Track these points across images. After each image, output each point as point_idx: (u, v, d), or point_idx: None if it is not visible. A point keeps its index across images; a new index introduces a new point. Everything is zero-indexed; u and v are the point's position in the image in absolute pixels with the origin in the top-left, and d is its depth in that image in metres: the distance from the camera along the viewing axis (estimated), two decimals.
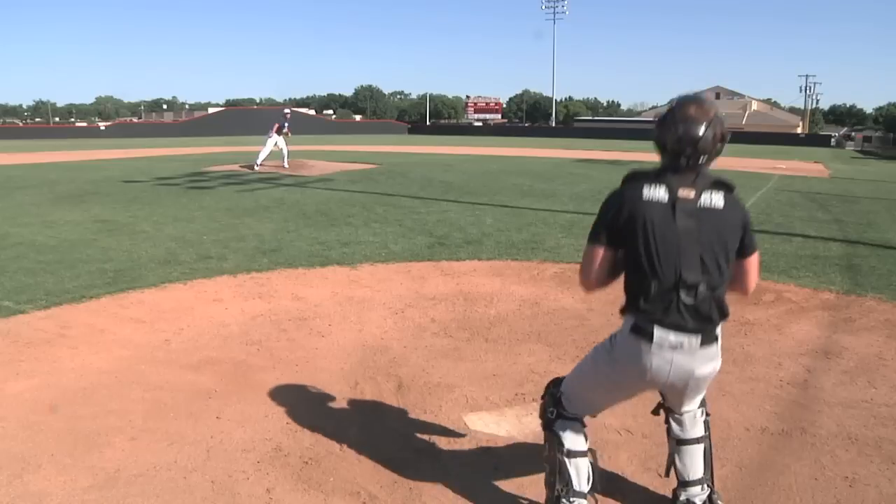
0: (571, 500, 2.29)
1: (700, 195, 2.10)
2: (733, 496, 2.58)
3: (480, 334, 4.46)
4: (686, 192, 2.09)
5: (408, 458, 2.84)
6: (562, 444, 2.32)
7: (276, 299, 5.21)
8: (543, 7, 78.80)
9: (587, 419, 2.42)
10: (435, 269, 6.30)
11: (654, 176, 2.12)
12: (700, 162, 2.10)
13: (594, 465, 2.37)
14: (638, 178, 2.15)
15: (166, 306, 4.97)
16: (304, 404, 3.35)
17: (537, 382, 3.67)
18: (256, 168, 17.49)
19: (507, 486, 2.65)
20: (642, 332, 2.10)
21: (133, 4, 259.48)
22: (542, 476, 2.68)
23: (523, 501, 2.57)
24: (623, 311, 2.19)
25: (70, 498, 2.53)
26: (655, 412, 2.48)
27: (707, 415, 2.43)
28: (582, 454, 2.33)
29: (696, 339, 2.09)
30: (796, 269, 6.39)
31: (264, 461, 2.81)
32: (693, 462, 2.40)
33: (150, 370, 3.78)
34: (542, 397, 2.51)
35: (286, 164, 17.74)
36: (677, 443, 2.40)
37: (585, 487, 2.32)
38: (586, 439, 2.37)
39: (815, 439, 3.04)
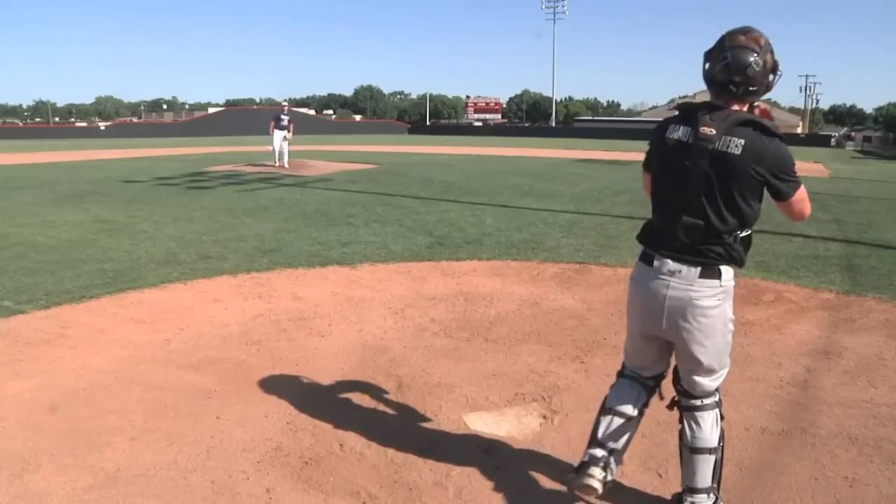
0: (589, 449, 2.35)
1: (722, 136, 2.05)
2: (733, 496, 2.57)
3: (480, 334, 4.46)
4: (707, 130, 2.06)
5: (408, 458, 2.84)
6: (603, 402, 2.45)
7: (276, 299, 5.21)
8: (543, 7, 78.89)
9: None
10: (435, 269, 6.29)
11: (688, 114, 2.15)
12: (750, 90, 2.07)
13: (629, 434, 2.40)
14: (680, 110, 2.20)
15: (166, 306, 4.97)
16: (304, 404, 3.35)
17: (537, 382, 3.67)
18: (283, 164, 17.67)
19: (507, 486, 2.65)
20: (646, 258, 2.26)
21: (133, 4, 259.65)
22: (541, 476, 2.69)
23: (523, 502, 2.57)
24: (638, 238, 2.34)
25: (70, 498, 2.53)
26: (671, 407, 2.43)
27: (722, 418, 2.36)
28: (616, 413, 2.37)
29: (694, 270, 2.14)
30: (796, 269, 6.39)
31: (264, 461, 2.81)
32: (703, 471, 2.32)
33: (150, 370, 3.78)
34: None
35: (286, 164, 17.76)
36: (690, 451, 2.32)
37: (609, 442, 2.34)
38: (636, 405, 2.40)
39: (815, 439, 3.04)
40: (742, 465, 2.81)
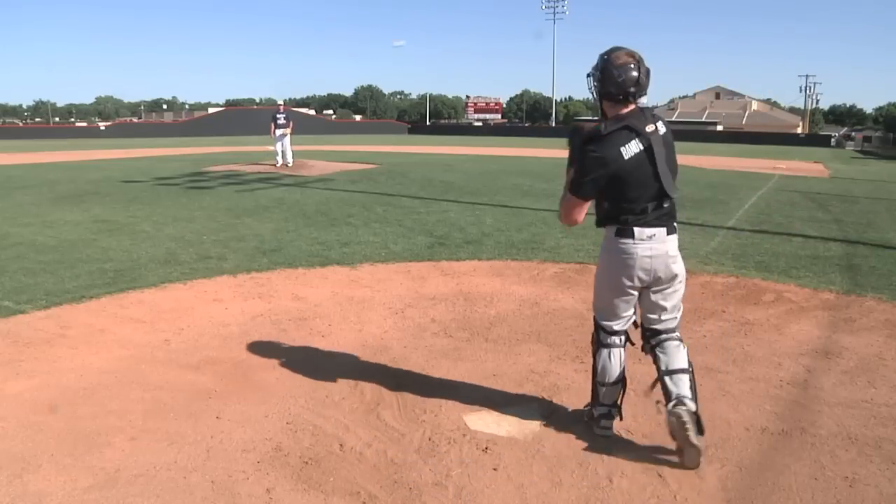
0: (597, 407, 2.97)
1: (657, 127, 2.67)
2: (733, 496, 2.58)
3: (480, 334, 4.46)
4: (651, 128, 2.66)
5: (408, 458, 2.84)
6: (595, 372, 2.96)
7: (276, 299, 5.21)
8: (543, 7, 78.69)
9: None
10: (435, 269, 6.30)
11: (622, 130, 2.62)
12: (641, 96, 2.67)
13: (623, 387, 2.97)
14: (612, 140, 2.62)
15: (166, 306, 4.97)
16: (304, 404, 3.35)
17: (537, 382, 3.67)
18: (287, 164, 17.69)
19: (507, 486, 2.65)
20: (626, 233, 2.71)
21: (133, 4, 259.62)
22: (541, 477, 2.70)
23: (523, 502, 2.57)
24: (603, 223, 2.79)
25: (70, 498, 2.53)
26: (653, 386, 2.94)
27: (685, 347, 2.87)
28: (612, 384, 2.92)
29: (663, 230, 2.72)
30: (796, 269, 6.39)
31: (264, 461, 2.81)
32: (682, 384, 2.76)
33: (150, 370, 3.78)
34: (592, 342, 3.04)
35: (289, 163, 17.79)
36: (665, 373, 2.80)
37: (610, 400, 2.95)
38: (623, 367, 2.92)
39: (815, 439, 3.04)
40: (742, 465, 2.81)
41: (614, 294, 2.85)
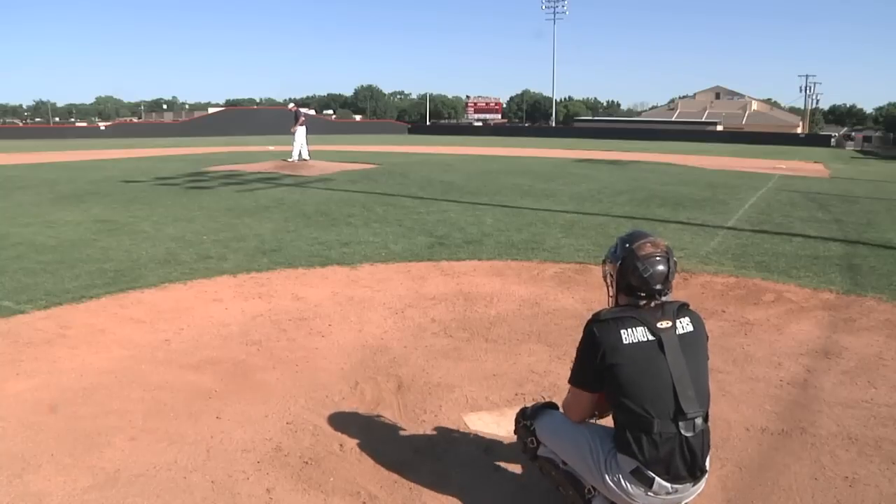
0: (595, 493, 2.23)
1: (676, 325, 2.14)
2: (733, 496, 2.58)
3: (480, 334, 4.46)
4: (665, 324, 2.13)
5: (408, 458, 2.84)
6: (556, 463, 2.33)
7: (276, 299, 5.21)
8: (543, 7, 78.73)
9: None
10: (435, 269, 6.29)
11: (628, 317, 2.14)
12: (667, 293, 2.18)
13: None
14: (612, 322, 2.14)
15: (166, 306, 4.97)
16: (304, 404, 3.35)
17: (537, 382, 3.67)
18: (293, 159, 18.43)
19: (507, 486, 2.65)
20: (643, 478, 2.07)
21: (133, 4, 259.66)
22: (542, 477, 2.68)
23: (523, 502, 2.57)
24: (619, 446, 2.13)
25: (70, 498, 2.53)
26: None
27: None
28: None
29: (689, 484, 2.12)
30: (796, 269, 6.39)
31: (264, 461, 2.81)
32: None
33: (150, 370, 3.78)
34: (515, 432, 2.50)
35: (295, 160, 18.29)
36: None
37: None
38: None
39: (815, 439, 3.04)
40: (742, 465, 2.81)
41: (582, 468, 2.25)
